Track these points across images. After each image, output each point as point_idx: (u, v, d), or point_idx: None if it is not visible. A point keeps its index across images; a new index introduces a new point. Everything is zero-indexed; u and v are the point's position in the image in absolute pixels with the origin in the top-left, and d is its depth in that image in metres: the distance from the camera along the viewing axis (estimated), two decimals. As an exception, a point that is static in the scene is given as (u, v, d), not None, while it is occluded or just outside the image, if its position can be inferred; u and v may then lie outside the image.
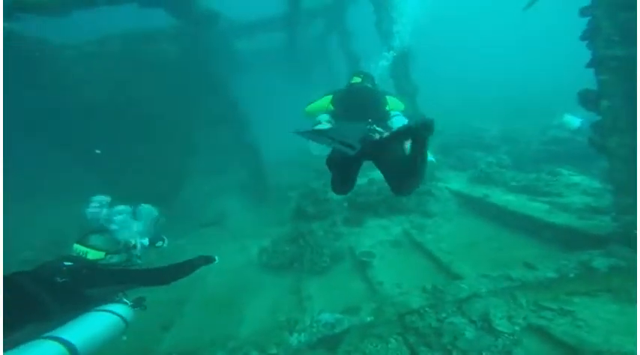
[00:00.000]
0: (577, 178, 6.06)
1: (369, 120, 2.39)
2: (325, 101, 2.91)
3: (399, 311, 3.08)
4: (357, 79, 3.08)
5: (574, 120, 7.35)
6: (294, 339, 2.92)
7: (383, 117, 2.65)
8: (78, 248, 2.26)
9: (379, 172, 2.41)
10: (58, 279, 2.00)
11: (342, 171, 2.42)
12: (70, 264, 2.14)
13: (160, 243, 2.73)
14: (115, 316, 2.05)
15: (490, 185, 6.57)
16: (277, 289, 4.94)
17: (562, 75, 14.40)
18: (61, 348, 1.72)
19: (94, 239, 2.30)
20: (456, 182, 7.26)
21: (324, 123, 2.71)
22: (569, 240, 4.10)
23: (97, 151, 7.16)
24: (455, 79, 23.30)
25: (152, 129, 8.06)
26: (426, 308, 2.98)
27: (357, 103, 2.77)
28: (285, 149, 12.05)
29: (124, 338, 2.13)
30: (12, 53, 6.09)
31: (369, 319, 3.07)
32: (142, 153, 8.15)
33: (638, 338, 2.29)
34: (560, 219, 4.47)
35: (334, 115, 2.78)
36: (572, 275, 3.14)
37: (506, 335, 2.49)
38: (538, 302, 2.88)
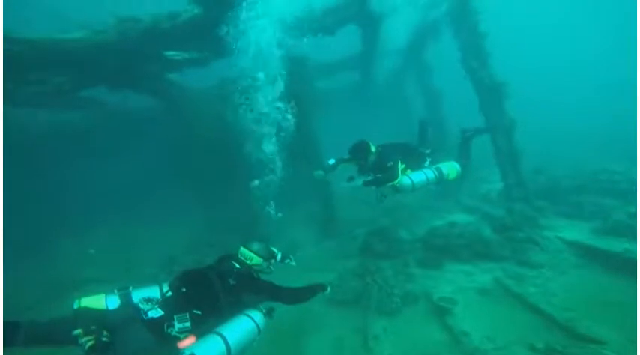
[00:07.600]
0: None
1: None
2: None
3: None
4: (374, 149, 4.66)
5: None
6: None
7: None
8: (244, 251, 2.41)
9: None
10: (231, 281, 2.14)
11: None
12: (238, 267, 2.30)
13: (287, 261, 2.87)
14: (254, 324, 2.08)
15: (631, 239, 4.91)
16: (341, 325, 4.56)
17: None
18: (223, 346, 1.85)
19: (256, 245, 2.47)
20: (572, 232, 5.86)
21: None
22: None
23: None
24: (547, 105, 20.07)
25: (242, 165, 9.20)
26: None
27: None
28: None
29: (254, 344, 2.12)
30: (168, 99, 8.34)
31: (451, 370, 2.51)
32: (234, 187, 9.24)
33: (638, 338, 2.06)
34: None
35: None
36: None
37: None
38: None
